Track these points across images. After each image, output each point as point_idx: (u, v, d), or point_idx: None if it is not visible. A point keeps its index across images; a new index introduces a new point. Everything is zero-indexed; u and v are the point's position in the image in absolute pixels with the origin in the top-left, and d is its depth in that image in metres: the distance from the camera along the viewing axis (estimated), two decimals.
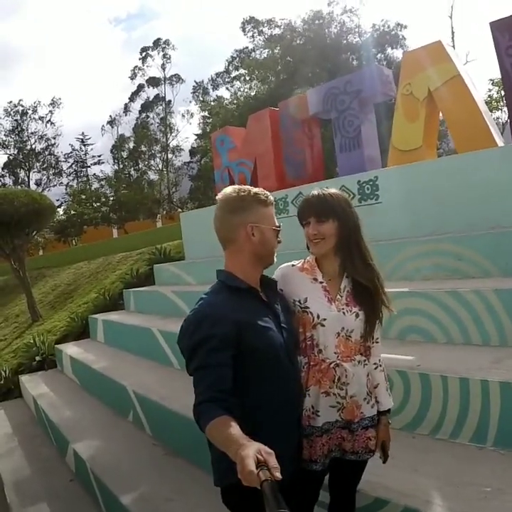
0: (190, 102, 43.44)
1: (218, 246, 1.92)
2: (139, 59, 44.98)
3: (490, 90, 26.53)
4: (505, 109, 23.24)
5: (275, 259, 1.89)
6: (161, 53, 44.30)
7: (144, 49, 44.84)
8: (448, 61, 5.28)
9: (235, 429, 1.38)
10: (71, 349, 7.23)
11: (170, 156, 43.53)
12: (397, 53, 30.45)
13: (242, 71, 35.11)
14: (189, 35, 72.25)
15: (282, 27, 32.85)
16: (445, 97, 5.29)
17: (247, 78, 33.76)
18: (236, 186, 1.83)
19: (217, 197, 1.87)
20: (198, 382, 1.59)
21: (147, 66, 44.64)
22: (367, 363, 1.96)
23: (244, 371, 1.65)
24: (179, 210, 35.71)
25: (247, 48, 36.39)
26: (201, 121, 38.56)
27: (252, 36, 35.17)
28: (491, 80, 25.82)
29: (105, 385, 5.40)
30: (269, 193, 1.84)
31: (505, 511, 1.96)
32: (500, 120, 24.92)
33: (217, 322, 1.63)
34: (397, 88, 5.96)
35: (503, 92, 20.72)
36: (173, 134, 44.20)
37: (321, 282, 1.94)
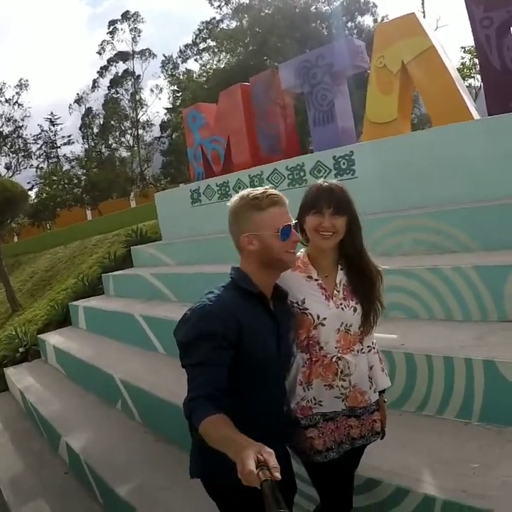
0: (159, 76, 42.53)
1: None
2: (107, 33, 43.64)
3: (462, 58, 26.53)
4: (477, 76, 23.35)
5: (293, 260, 1.81)
6: (131, 26, 42.98)
7: (112, 22, 43.43)
8: (421, 33, 5.25)
9: (233, 428, 1.39)
10: (54, 338, 7.16)
11: (140, 131, 42.77)
12: (368, 20, 30.21)
13: (210, 43, 34.40)
14: (156, 8, 70.28)
15: None
16: (419, 69, 5.28)
17: (216, 50, 33.11)
18: (243, 192, 1.77)
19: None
20: (196, 376, 1.57)
21: (117, 40, 43.37)
22: (364, 350, 1.97)
23: (235, 373, 1.64)
24: (152, 186, 35.28)
25: (214, 18, 35.59)
26: (171, 95, 37.91)
27: (219, 6, 34.37)
28: (463, 47, 25.80)
29: (91, 374, 5.39)
30: (270, 193, 1.73)
31: (494, 487, 2.01)
32: (472, 87, 24.99)
33: (223, 321, 1.61)
34: (371, 61, 5.91)
35: (475, 60, 20.80)
36: (143, 109, 43.39)
37: (316, 280, 1.91)
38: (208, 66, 34.26)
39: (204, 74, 33.21)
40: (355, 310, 1.90)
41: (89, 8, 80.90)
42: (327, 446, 1.87)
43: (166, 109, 38.45)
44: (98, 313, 6.93)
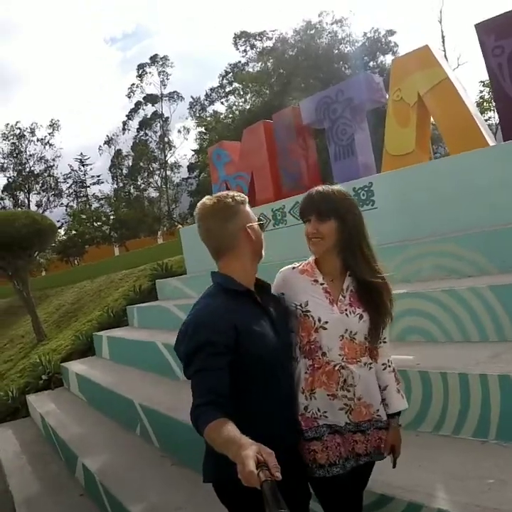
0: (187, 118, 43.62)
1: None
2: (137, 76, 45.00)
3: (481, 91, 26.92)
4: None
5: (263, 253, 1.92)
6: (160, 69, 44.22)
7: (141, 66, 44.80)
8: (436, 65, 5.37)
9: (234, 430, 1.41)
10: (77, 367, 7.26)
11: (168, 173, 43.74)
12: (389, 60, 30.88)
13: (236, 85, 35.49)
14: (183, 52, 72.90)
15: (274, 39, 33.28)
16: (434, 100, 5.38)
17: (242, 92, 34.09)
18: (213, 196, 1.86)
19: (198, 211, 1.84)
20: (197, 384, 1.61)
21: (146, 83, 44.67)
22: (372, 365, 1.91)
23: (238, 375, 1.66)
24: (179, 226, 35.79)
25: (239, 62, 36.81)
26: (198, 136, 38.88)
27: (245, 50, 35.64)
28: (481, 81, 26.17)
29: (112, 400, 5.43)
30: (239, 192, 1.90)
31: (508, 501, 1.97)
32: (492, 120, 25.19)
33: (217, 328, 1.65)
34: (388, 94, 6.04)
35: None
36: (171, 151, 44.49)
37: (322, 283, 1.89)
38: (233, 107, 35.21)
39: (230, 115, 34.12)
40: (361, 317, 1.86)
41: (119, 52, 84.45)
42: (330, 461, 1.79)
43: (193, 150, 39.33)
44: (121, 342, 7.01)
